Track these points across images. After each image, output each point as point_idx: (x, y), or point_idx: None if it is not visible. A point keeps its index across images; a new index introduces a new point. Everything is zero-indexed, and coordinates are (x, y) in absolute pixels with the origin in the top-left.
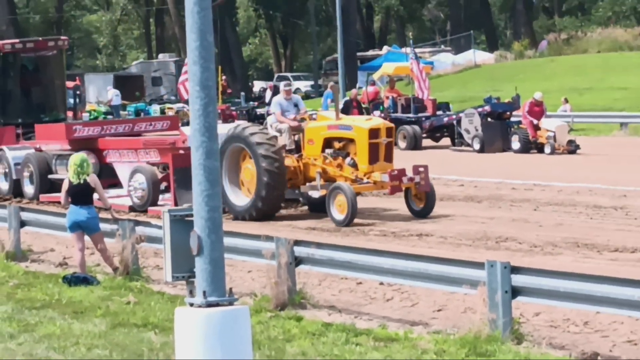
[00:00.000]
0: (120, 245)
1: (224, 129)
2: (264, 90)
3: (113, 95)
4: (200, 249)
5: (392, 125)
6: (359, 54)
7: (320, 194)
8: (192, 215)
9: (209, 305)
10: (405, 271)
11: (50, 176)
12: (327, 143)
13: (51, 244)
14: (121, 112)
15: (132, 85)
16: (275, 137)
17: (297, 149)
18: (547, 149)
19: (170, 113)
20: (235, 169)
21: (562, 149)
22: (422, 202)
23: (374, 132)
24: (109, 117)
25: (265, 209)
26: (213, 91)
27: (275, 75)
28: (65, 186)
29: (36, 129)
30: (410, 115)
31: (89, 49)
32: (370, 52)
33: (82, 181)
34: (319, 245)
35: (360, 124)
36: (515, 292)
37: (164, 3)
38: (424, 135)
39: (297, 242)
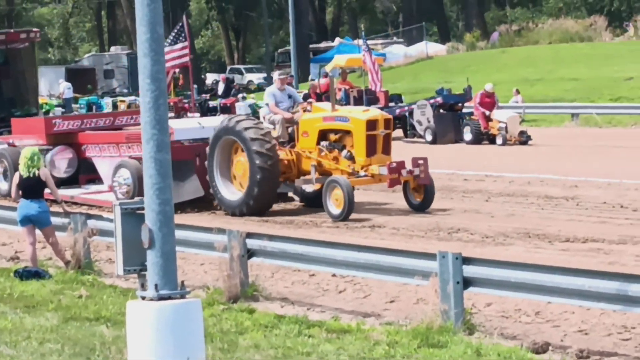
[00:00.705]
0: (72, 238)
1: (216, 122)
2: (217, 82)
3: (65, 88)
4: (151, 242)
5: (390, 116)
6: (311, 46)
7: (315, 188)
8: (143, 209)
9: (161, 298)
10: (357, 263)
11: None
12: (323, 135)
13: (2, 238)
14: (73, 106)
15: (84, 78)
16: (270, 132)
17: (291, 141)
18: (499, 140)
19: (123, 106)
20: (226, 162)
21: (513, 140)
22: (420, 195)
23: (371, 124)
24: (61, 110)
25: (257, 206)
26: (163, 84)
27: (228, 68)
28: (15, 180)
29: (13, 123)
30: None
31: (41, 42)
32: (323, 44)
33: (32, 175)
34: (271, 238)
35: (358, 116)
36: (467, 282)
37: None
38: None
39: (249, 235)
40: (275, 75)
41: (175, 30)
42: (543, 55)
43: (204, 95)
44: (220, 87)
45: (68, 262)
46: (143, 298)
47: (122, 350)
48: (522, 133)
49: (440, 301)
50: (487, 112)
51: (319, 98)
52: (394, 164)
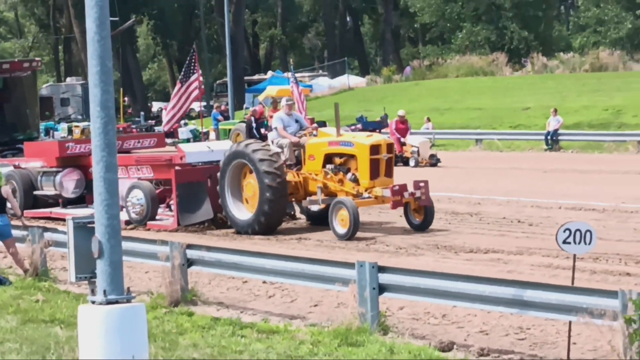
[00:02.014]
0: (30, 249)
1: (225, 146)
2: (162, 110)
3: None
4: (101, 252)
5: (392, 141)
6: (246, 77)
7: (320, 208)
8: (93, 222)
9: (109, 302)
10: (285, 271)
11: (35, 192)
12: (328, 159)
13: None
14: None
15: (42, 105)
16: (278, 153)
17: (298, 164)
18: (412, 162)
19: (77, 131)
20: (237, 184)
21: (424, 162)
22: (421, 216)
23: (374, 148)
24: None
25: (267, 224)
26: (112, 111)
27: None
28: None
29: (25, 146)
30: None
31: None
32: (257, 76)
33: None
34: (209, 249)
35: (362, 141)
36: (382, 288)
37: (71, 32)
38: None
39: (189, 246)
40: (283, 101)
41: (186, 64)
42: (451, 87)
43: (150, 121)
44: (164, 115)
45: (27, 270)
46: (93, 302)
47: (74, 349)
48: (432, 156)
49: (359, 305)
50: (402, 138)
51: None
52: (397, 187)
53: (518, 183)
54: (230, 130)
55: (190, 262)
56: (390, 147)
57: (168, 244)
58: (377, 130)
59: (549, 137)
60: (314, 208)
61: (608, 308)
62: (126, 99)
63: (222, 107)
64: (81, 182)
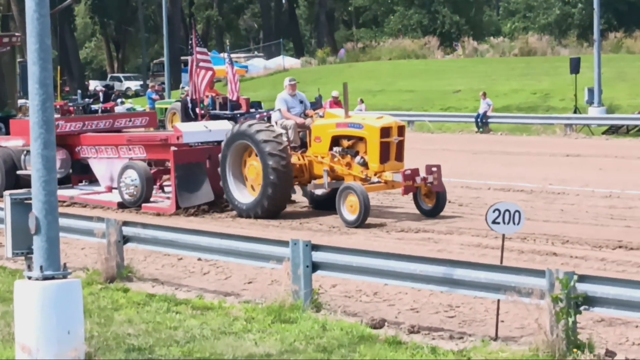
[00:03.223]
0: None
1: (224, 126)
2: (99, 90)
3: None
4: (37, 228)
5: (404, 124)
6: (182, 57)
7: (325, 192)
8: (30, 199)
9: (45, 278)
10: (220, 248)
11: (19, 172)
12: (335, 141)
13: None
14: None
15: None
16: (281, 134)
17: (302, 146)
18: None
19: None
20: (239, 166)
21: None
22: (432, 201)
23: (385, 131)
24: None
25: (271, 208)
26: (50, 88)
27: (109, 76)
28: None
29: (11, 125)
30: (227, 112)
31: None
32: None
33: None
34: (145, 226)
35: (372, 123)
36: (315, 266)
37: (9, 10)
38: None
39: (125, 223)
40: (286, 81)
41: (191, 41)
42: (384, 69)
43: (87, 99)
44: (101, 96)
45: None
46: (29, 278)
47: (10, 324)
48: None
49: (292, 282)
50: None
51: (192, 104)
52: (409, 172)
53: (448, 164)
54: (166, 109)
55: (126, 239)
56: (401, 129)
57: (104, 220)
58: (309, 110)
59: (478, 120)
60: (318, 192)
61: (535, 287)
62: (64, 78)
63: (157, 87)
64: (66, 162)
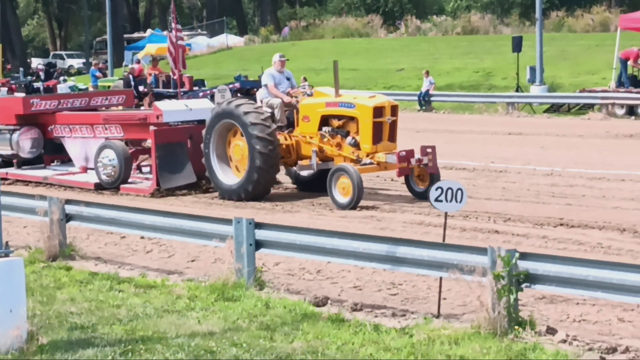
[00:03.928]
0: None
1: (204, 104)
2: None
3: None
4: None
5: (397, 103)
6: (125, 35)
7: (310, 173)
8: None
9: None
10: (163, 227)
11: None
12: (324, 121)
13: None
14: None
15: None
16: (270, 117)
17: (289, 125)
18: None
19: None
20: (223, 146)
21: None
22: (425, 183)
23: (378, 111)
24: None
25: (255, 192)
26: None
27: (51, 54)
28: None
29: None
30: (170, 90)
31: None
32: (136, 34)
33: None
34: (87, 204)
35: (364, 102)
36: (259, 244)
37: None
38: None
39: (68, 201)
40: (276, 57)
41: (170, 18)
42: (327, 48)
43: (29, 77)
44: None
45: None
46: None
47: None
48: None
49: (235, 261)
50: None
51: (135, 82)
52: (404, 153)
53: None
54: (109, 87)
55: (68, 217)
56: (394, 109)
57: (47, 199)
58: (255, 90)
59: (421, 98)
60: (304, 173)
61: (477, 264)
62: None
63: (101, 65)
64: (39, 142)
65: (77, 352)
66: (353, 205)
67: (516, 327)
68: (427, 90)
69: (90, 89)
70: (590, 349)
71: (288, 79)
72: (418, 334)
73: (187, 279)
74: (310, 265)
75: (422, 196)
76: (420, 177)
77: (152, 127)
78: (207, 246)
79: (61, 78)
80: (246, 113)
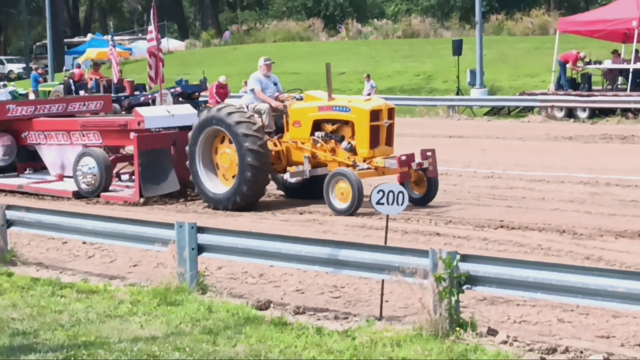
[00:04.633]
0: None
1: (186, 110)
2: None
3: None
4: None
5: (394, 106)
6: (66, 40)
7: (298, 180)
8: None
9: None
10: (105, 231)
11: None
12: (317, 126)
13: None
14: None
15: None
16: (262, 127)
17: (278, 131)
18: None
19: None
20: (209, 154)
21: None
22: (422, 189)
23: (375, 114)
24: None
25: (250, 194)
26: None
27: None
28: None
29: None
30: (112, 94)
31: None
32: (76, 39)
33: None
34: (28, 209)
35: (360, 105)
36: (201, 249)
37: None
38: (123, 112)
39: (9, 207)
40: (261, 61)
41: (149, 26)
42: (269, 52)
43: None
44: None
45: None
46: None
47: None
48: None
49: (178, 265)
50: (220, 101)
51: (75, 87)
52: (404, 157)
53: None
54: (49, 92)
55: (9, 223)
56: (391, 112)
57: None
58: (197, 94)
59: None
60: (292, 180)
61: (419, 267)
62: None
63: (40, 70)
64: (12, 149)
65: (19, 358)
66: (352, 211)
67: (457, 328)
68: (369, 94)
69: (31, 95)
70: (530, 350)
71: (275, 83)
72: (360, 337)
73: (130, 283)
74: (253, 268)
75: (419, 203)
76: (417, 183)
77: (132, 134)
78: (149, 251)
79: (1, 83)
80: (230, 114)
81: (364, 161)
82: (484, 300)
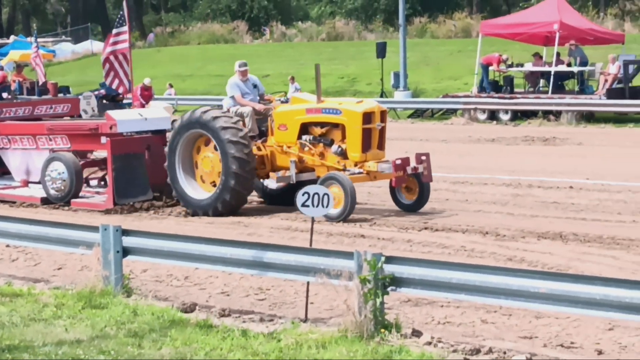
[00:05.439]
0: None
1: (160, 113)
2: None
3: None
4: None
5: (385, 108)
6: None
7: (279, 186)
8: None
9: None
10: (29, 235)
11: None
12: (304, 129)
13: None
14: None
15: None
16: (248, 134)
17: (262, 135)
18: None
19: None
20: (189, 159)
21: None
22: (412, 195)
23: (367, 116)
24: None
25: (233, 202)
26: None
27: None
28: None
29: None
30: (35, 97)
31: None
32: None
33: None
34: None
35: (352, 108)
36: (126, 251)
37: None
38: None
39: None
40: (236, 66)
41: (118, 17)
42: (193, 54)
43: None
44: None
45: None
46: None
47: None
48: (174, 121)
49: (102, 268)
50: (145, 103)
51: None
52: (399, 161)
53: None
54: None
55: None
56: (383, 114)
57: None
58: (121, 96)
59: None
60: (272, 186)
61: (344, 269)
62: None
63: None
64: None
65: None
66: (344, 217)
67: (382, 330)
68: None
69: None
70: (454, 351)
71: (255, 85)
72: (286, 339)
73: (54, 287)
74: (178, 271)
75: (410, 209)
76: (408, 189)
77: (103, 138)
78: (73, 254)
79: None
80: (215, 118)
81: (356, 165)
82: (409, 302)
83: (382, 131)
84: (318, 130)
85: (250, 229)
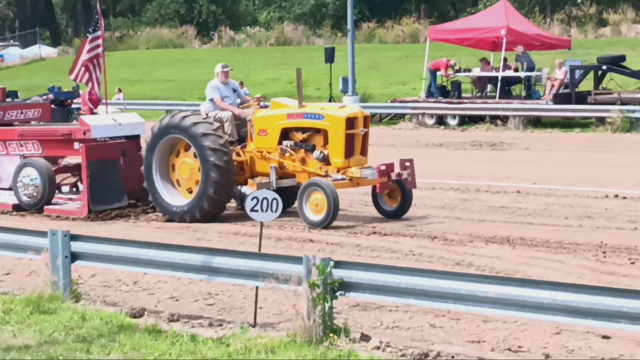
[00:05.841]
0: None
1: (134, 119)
2: None
3: None
4: None
5: (368, 114)
6: None
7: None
8: None
9: None
10: None
11: None
12: (285, 134)
13: None
14: None
15: None
16: (221, 127)
17: (241, 140)
18: None
19: None
20: (167, 164)
21: None
22: (394, 202)
23: (350, 122)
24: None
25: (211, 210)
26: None
27: None
28: None
29: None
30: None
31: None
32: None
33: None
34: None
35: (335, 113)
36: (75, 256)
37: None
38: None
39: None
40: (218, 67)
41: (93, 23)
42: (142, 59)
43: None
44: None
45: None
46: None
47: None
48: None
49: (51, 273)
50: (94, 109)
51: None
52: (384, 167)
53: None
54: None
55: None
56: (366, 120)
57: None
58: (69, 101)
59: None
60: (248, 192)
61: (293, 273)
62: None
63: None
64: None
65: None
66: (327, 223)
67: (331, 334)
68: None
69: None
70: (403, 355)
71: (234, 90)
72: (235, 344)
73: (2, 292)
74: (127, 276)
75: (392, 216)
76: (391, 195)
77: (77, 144)
78: (21, 259)
79: None
80: (195, 124)
81: (338, 171)
82: (357, 306)
83: (365, 137)
84: (299, 136)
85: (199, 234)
